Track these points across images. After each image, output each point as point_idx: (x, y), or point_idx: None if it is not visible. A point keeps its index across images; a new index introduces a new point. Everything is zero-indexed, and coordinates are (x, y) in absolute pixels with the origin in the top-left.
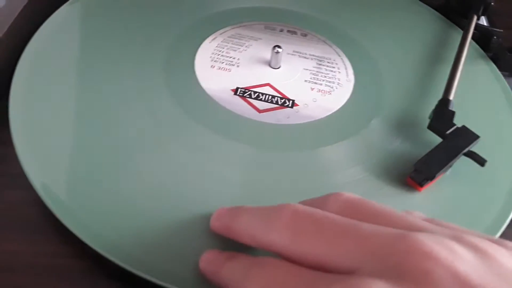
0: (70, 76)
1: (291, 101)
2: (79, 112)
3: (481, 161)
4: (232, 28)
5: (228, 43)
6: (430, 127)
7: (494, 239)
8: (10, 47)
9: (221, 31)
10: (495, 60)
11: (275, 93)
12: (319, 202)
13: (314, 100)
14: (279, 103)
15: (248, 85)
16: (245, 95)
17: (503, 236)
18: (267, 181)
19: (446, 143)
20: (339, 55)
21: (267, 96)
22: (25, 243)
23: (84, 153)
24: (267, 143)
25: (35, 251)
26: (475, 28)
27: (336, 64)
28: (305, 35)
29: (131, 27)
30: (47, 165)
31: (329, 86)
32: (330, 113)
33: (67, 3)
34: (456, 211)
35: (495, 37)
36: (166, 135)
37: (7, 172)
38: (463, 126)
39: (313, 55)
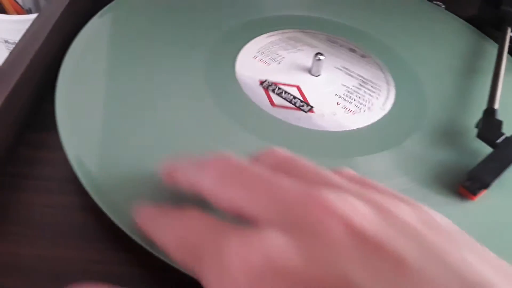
0: (112, 74)
1: (309, 107)
2: (119, 104)
3: None
4: (295, 32)
5: (283, 43)
6: (479, 136)
7: (406, 198)
8: (52, 51)
9: (283, 31)
10: None
11: (298, 95)
12: (254, 157)
13: (334, 114)
14: (296, 104)
15: (277, 81)
16: (268, 88)
17: None
18: None
19: (498, 152)
20: (388, 84)
21: (289, 95)
22: (76, 249)
23: (126, 148)
24: (265, 134)
25: (88, 257)
26: (510, 41)
27: (379, 91)
28: (363, 56)
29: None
30: (93, 153)
31: (357, 107)
32: (342, 130)
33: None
34: (508, 219)
35: None
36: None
37: (55, 177)
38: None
39: (359, 75)
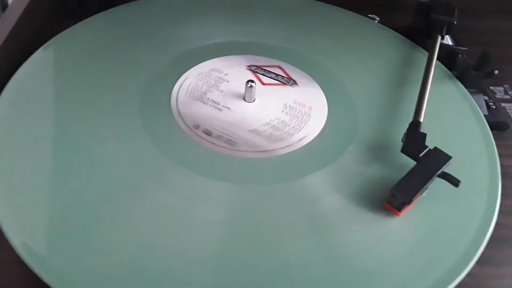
0: (45, 127)
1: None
2: (55, 165)
3: (455, 182)
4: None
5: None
6: (403, 151)
7: None
8: None
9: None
10: (461, 78)
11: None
12: None
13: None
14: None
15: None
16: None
17: (484, 255)
18: (250, 217)
19: (420, 166)
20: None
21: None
22: None
23: (64, 207)
24: (248, 177)
25: None
26: (440, 48)
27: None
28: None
29: (102, 76)
30: (26, 224)
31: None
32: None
33: (41, 48)
34: (436, 232)
35: (459, 55)
36: (144, 174)
37: None
38: (435, 148)
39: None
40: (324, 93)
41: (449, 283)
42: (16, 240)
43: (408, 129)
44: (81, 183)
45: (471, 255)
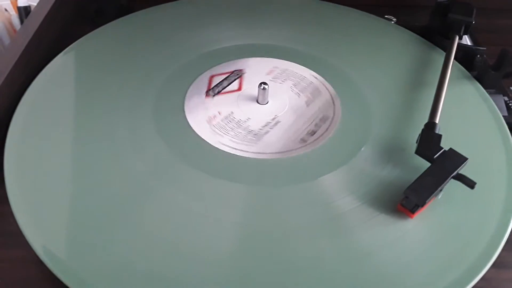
0: (63, 132)
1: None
2: (73, 169)
3: (470, 184)
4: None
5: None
6: (417, 152)
7: None
8: (10, 96)
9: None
10: (480, 78)
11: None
12: None
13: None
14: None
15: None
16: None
17: (499, 259)
18: (264, 218)
19: (434, 167)
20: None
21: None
22: None
23: (82, 211)
24: (262, 179)
25: None
26: (458, 48)
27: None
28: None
29: (119, 80)
30: (46, 227)
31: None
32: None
33: (61, 53)
34: (450, 235)
35: (478, 55)
36: (162, 180)
37: (5, 231)
38: (451, 149)
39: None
40: (338, 95)
41: (463, 286)
42: (37, 243)
43: (422, 130)
44: (100, 187)
45: (487, 258)
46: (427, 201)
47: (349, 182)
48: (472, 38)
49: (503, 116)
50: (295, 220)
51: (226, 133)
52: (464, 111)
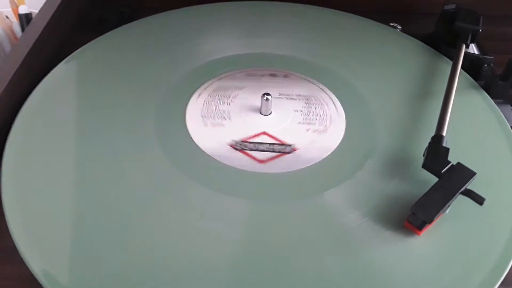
0: (63, 142)
1: (289, 147)
2: (73, 183)
3: (479, 200)
4: (215, 81)
5: (215, 97)
6: (424, 166)
7: None
8: (10, 104)
9: (205, 86)
10: (487, 88)
11: (272, 141)
12: None
13: (313, 141)
14: (276, 150)
15: (243, 137)
16: (244, 148)
17: (509, 276)
18: (266, 234)
19: (442, 182)
20: (325, 92)
21: (265, 145)
22: None
23: (82, 230)
24: (268, 194)
25: None
26: (465, 57)
27: (324, 100)
28: (286, 76)
29: (120, 91)
30: (45, 250)
31: (322, 124)
32: (329, 153)
33: (63, 61)
34: (459, 253)
35: (485, 64)
36: (169, 200)
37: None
38: (458, 163)
39: (299, 95)
40: (342, 104)
41: None
42: (37, 267)
43: (429, 144)
44: (100, 205)
45: (496, 276)
46: (434, 217)
47: (354, 197)
48: (479, 47)
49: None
50: (299, 236)
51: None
52: (471, 121)
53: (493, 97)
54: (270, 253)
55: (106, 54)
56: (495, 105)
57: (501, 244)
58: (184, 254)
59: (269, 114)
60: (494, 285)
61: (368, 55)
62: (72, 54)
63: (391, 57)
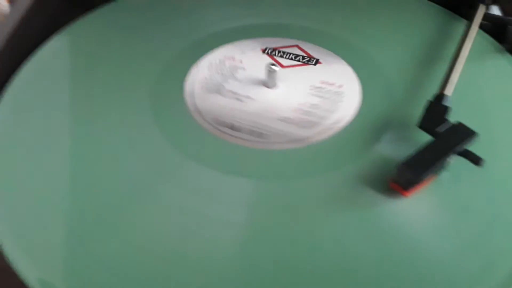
0: (52, 126)
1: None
2: (65, 171)
3: (476, 160)
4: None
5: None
6: (420, 125)
7: None
8: None
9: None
10: None
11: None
12: None
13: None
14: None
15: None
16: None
17: None
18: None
19: (436, 142)
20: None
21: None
22: None
23: (75, 229)
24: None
25: None
26: (488, 20)
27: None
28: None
29: (111, 70)
30: (39, 257)
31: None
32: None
33: (52, 39)
34: (452, 223)
35: (510, 26)
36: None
37: None
38: (459, 123)
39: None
40: (354, 70)
41: None
42: (32, 277)
43: (429, 102)
44: (92, 200)
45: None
46: (423, 177)
47: (376, 167)
48: (502, 10)
49: None
50: (317, 214)
51: None
52: (496, 87)
53: None
54: (287, 233)
55: (95, 31)
56: None
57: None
58: (186, 248)
59: (275, 87)
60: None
61: (383, 21)
62: (62, 31)
63: (405, 21)
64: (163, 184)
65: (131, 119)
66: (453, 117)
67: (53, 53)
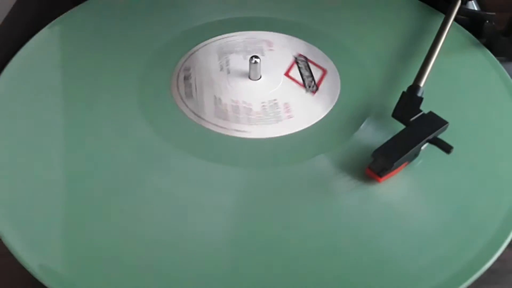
0: (41, 119)
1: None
2: (56, 160)
3: (447, 148)
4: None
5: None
6: (394, 115)
7: None
8: None
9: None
10: (489, 45)
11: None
12: None
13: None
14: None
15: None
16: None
17: None
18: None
19: (409, 130)
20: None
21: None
22: None
23: (72, 216)
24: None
25: None
26: (466, 14)
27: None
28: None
29: (101, 60)
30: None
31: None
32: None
33: (43, 29)
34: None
35: (487, 21)
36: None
37: None
38: (430, 112)
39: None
40: (334, 62)
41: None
42: (33, 264)
43: (402, 93)
44: (85, 177)
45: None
46: (396, 164)
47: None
48: (480, 5)
49: None
50: (294, 200)
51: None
52: (473, 80)
53: (496, 54)
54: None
55: (87, 21)
56: (498, 62)
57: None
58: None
59: (259, 79)
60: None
61: (363, 16)
62: (48, 25)
63: (387, 18)
64: (151, 171)
65: (119, 108)
66: (429, 107)
67: (41, 45)
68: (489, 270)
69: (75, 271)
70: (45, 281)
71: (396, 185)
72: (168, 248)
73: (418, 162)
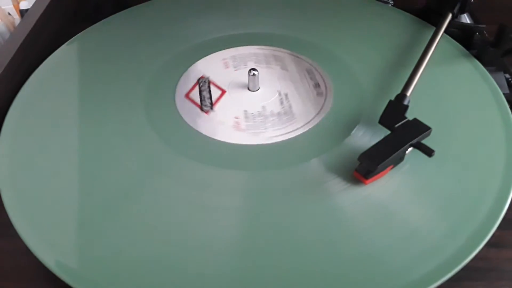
0: (58, 129)
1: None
2: (70, 168)
3: (428, 152)
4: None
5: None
6: (380, 121)
7: None
8: (8, 86)
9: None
10: (479, 56)
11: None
12: None
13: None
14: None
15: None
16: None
17: (499, 238)
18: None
19: (393, 135)
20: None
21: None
22: None
23: (86, 215)
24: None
25: None
26: (457, 27)
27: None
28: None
29: (111, 78)
30: (53, 240)
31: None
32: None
33: (57, 50)
34: (447, 210)
35: (477, 33)
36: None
37: None
38: (415, 119)
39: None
40: (328, 73)
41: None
42: (49, 260)
43: (389, 102)
44: (97, 183)
45: (482, 235)
46: (379, 166)
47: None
48: (473, 18)
49: (504, 93)
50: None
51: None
52: (462, 90)
53: (485, 64)
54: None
55: (100, 42)
56: (487, 73)
57: (489, 203)
58: (191, 230)
59: (257, 90)
60: (479, 244)
61: (359, 29)
62: (67, 42)
63: (381, 31)
64: (158, 176)
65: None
66: (417, 115)
67: (59, 61)
68: (473, 268)
69: (88, 267)
70: (62, 277)
71: (383, 186)
72: (176, 245)
73: (404, 166)
